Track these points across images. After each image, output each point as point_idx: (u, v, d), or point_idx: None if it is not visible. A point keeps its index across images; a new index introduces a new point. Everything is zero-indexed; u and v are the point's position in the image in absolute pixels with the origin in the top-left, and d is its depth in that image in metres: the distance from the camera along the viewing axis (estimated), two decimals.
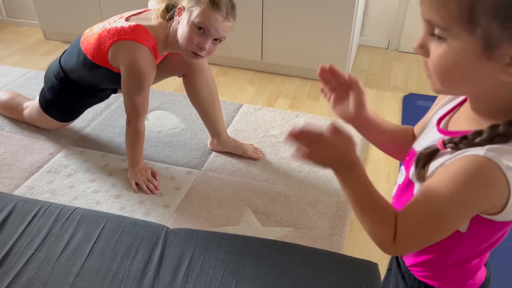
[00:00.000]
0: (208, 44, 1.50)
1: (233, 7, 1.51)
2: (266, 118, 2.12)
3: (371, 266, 1.32)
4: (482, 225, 0.65)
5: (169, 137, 1.97)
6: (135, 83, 1.56)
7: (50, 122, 1.88)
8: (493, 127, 0.57)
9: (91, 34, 1.62)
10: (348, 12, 2.26)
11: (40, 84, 1.89)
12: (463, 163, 0.58)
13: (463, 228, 0.66)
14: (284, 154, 1.88)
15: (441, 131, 0.68)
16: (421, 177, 0.67)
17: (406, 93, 2.40)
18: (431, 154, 0.65)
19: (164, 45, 1.59)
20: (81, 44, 1.65)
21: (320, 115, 2.17)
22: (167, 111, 2.15)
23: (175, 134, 1.99)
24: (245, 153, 1.84)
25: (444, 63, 0.57)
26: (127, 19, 1.58)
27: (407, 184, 0.74)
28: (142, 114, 1.63)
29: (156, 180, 1.71)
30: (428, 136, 0.72)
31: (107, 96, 1.91)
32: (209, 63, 2.64)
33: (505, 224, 0.64)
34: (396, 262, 0.85)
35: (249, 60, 2.55)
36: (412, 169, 0.70)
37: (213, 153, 1.88)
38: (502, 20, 0.51)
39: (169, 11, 1.55)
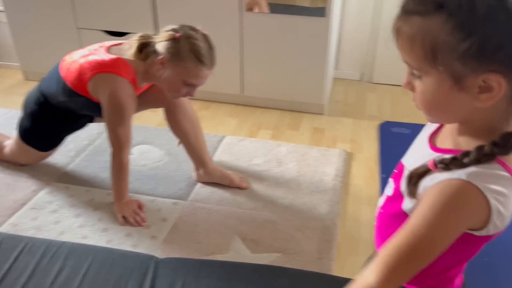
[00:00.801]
0: (194, 92, 1.62)
1: (214, 54, 1.59)
2: (249, 148, 2.17)
3: None
4: (465, 239, 0.69)
5: (153, 170, 1.98)
6: (116, 115, 1.59)
7: (30, 154, 1.88)
8: (480, 148, 0.63)
9: (71, 61, 1.65)
10: (322, 47, 2.37)
11: None
12: (444, 188, 0.63)
13: None
14: (269, 182, 1.92)
15: (432, 147, 0.73)
16: (412, 194, 0.71)
17: (382, 121, 2.50)
18: (422, 173, 0.69)
19: (143, 78, 1.64)
20: (60, 70, 1.68)
21: (301, 144, 2.23)
22: (151, 145, 2.17)
23: (160, 167, 2.01)
24: (232, 183, 1.86)
25: (424, 97, 0.65)
26: (108, 49, 1.63)
27: (396, 196, 0.78)
28: (126, 146, 1.65)
29: (142, 212, 1.71)
30: (418, 152, 0.77)
31: (84, 124, 1.92)
32: (190, 98, 2.70)
33: (487, 238, 0.69)
34: None
35: (229, 94, 2.63)
36: (403, 184, 0.75)
37: (199, 184, 1.90)
38: (460, 58, 0.58)
39: (143, 49, 1.57)
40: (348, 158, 2.12)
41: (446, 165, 0.65)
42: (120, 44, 1.68)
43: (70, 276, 1.35)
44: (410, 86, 0.68)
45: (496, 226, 0.65)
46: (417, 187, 0.70)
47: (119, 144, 1.63)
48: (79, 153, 2.09)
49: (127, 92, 1.58)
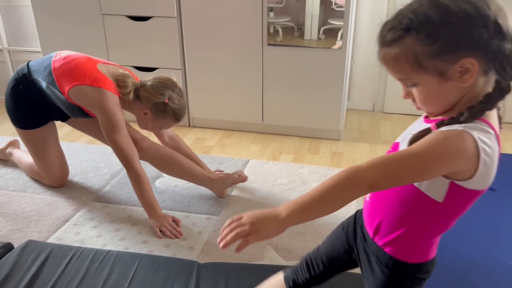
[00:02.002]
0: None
1: (186, 108, 1.85)
2: (273, 170, 2.29)
3: None
4: (456, 193, 0.81)
5: (185, 190, 2.10)
6: (109, 123, 1.71)
7: (30, 142, 1.99)
8: (470, 107, 0.78)
9: (65, 56, 1.80)
10: (339, 75, 2.54)
11: None
12: (444, 132, 0.78)
13: (440, 198, 0.83)
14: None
15: (428, 120, 0.88)
16: None
17: None
18: (424, 134, 0.82)
19: (122, 106, 1.80)
20: (54, 57, 1.83)
21: (322, 166, 2.35)
22: None
23: (191, 187, 2.12)
24: (235, 182, 2.04)
25: (423, 98, 0.83)
26: (97, 63, 1.79)
27: None
28: (134, 156, 1.75)
29: (178, 226, 1.81)
30: (414, 127, 0.90)
31: (55, 116, 2.01)
32: (214, 128, 2.85)
33: (475, 193, 0.81)
34: (364, 243, 1.00)
35: (250, 123, 2.78)
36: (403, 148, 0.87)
37: (229, 200, 2.01)
38: (437, 57, 0.77)
39: (135, 93, 1.78)
40: None
41: (446, 125, 0.79)
42: (109, 64, 1.86)
43: (120, 279, 1.44)
44: (410, 95, 0.85)
45: (482, 177, 0.77)
46: None
47: (124, 155, 1.73)
48: (113, 176, 2.22)
49: (114, 102, 1.73)
